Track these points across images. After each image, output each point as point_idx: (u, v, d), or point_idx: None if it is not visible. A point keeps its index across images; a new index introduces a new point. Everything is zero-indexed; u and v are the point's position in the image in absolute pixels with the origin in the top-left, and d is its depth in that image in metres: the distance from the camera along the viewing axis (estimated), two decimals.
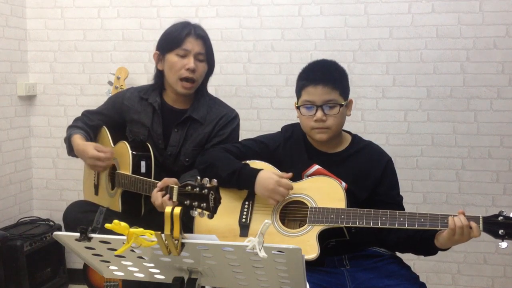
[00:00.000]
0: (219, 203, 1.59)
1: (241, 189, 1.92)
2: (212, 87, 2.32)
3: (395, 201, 1.88)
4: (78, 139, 2.21)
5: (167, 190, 1.86)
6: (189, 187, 1.63)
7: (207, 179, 1.57)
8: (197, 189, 1.60)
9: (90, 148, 2.13)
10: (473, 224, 1.60)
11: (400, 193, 1.94)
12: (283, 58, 2.99)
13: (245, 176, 1.87)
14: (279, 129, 2.07)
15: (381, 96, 2.93)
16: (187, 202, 1.63)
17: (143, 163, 2.13)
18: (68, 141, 2.28)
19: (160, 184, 1.90)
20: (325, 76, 1.85)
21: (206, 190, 1.58)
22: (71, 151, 2.26)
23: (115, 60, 3.16)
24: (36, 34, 3.23)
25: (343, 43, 2.93)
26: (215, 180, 1.56)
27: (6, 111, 3.08)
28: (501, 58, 2.80)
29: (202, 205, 1.59)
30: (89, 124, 2.36)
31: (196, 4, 3.05)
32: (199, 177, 1.61)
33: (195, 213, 1.62)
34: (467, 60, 2.83)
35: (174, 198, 1.76)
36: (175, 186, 1.77)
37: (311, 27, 2.95)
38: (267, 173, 1.85)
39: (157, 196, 1.89)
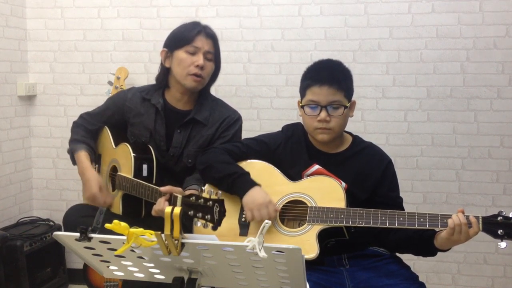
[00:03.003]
0: (224, 215, 1.57)
1: (232, 194, 1.89)
2: (212, 87, 2.31)
3: (395, 203, 1.88)
4: (84, 159, 2.19)
5: (171, 198, 1.85)
6: (193, 198, 1.61)
7: (212, 190, 1.54)
8: (201, 200, 1.58)
9: (94, 184, 2.12)
10: (472, 219, 1.60)
11: (400, 193, 1.94)
12: (283, 58, 2.99)
13: (240, 183, 1.85)
14: (279, 129, 2.07)
15: (381, 96, 2.93)
16: (191, 212, 1.61)
17: (145, 166, 2.10)
18: (71, 153, 2.27)
19: (165, 189, 1.89)
20: (331, 77, 1.85)
21: (210, 202, 1.56)
22: (75, 163, 2.25)
23: (115, 60, 3.16)
24: (36, 34, 3.23)
25: (343, 43, 2.93)
26: (220, 193, 1.54)
27: (6, 111, 3.08)
28: (501, 58, 2.80)
29: (206, 216, 1.57)
30: (89, 129, 2.32)
31: (196, 4, 3.05)
32: (203, 187, 1.59)
33: (198, 223, 1.60)
34: (467, 60, 2.83)
35: None
36: (179, 196, 1.76)
37: (311, 27, 2.95)
38: (262, 190, 1.83)
39: (160, 202, 1.89)
